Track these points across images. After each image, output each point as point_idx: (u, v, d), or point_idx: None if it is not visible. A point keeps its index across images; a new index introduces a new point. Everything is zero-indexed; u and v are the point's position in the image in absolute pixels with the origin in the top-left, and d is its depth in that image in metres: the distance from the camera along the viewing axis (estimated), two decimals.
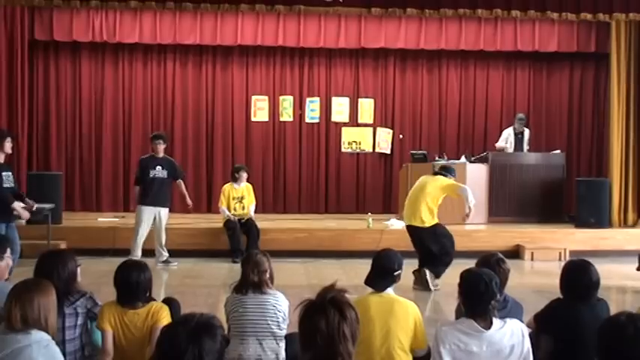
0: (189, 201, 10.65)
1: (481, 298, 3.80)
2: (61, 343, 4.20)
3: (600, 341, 3.21)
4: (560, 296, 4.66)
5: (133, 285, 4.40)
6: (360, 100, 14.49)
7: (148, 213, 10.25)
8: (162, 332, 2.49)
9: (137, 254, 9.99)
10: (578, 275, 4.58)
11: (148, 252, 10.11)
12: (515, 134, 13.34)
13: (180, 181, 10.66)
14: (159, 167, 10.30)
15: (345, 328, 2.59)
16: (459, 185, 9.02)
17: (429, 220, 8.89)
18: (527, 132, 13.45)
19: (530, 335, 4.08)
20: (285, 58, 14.40)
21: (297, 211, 14.19)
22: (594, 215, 12.01)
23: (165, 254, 10.38)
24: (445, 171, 9.16)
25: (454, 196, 9.15)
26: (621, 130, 12.76)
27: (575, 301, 4.50)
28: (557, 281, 4.73)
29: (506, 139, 13.33)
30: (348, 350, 2.61)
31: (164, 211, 10.40)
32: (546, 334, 4.52)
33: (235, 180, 11.49)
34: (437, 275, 8.85)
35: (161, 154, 10.44)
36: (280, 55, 14.35)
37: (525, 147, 13.32)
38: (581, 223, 12.08)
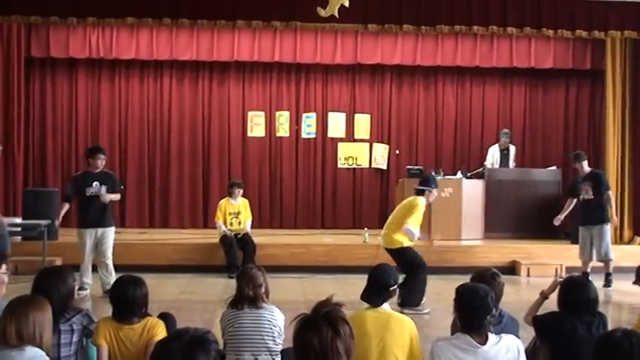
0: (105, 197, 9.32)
1: (477, 313, 3.80)
2: None
3: (596, 357, 3.21)
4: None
5: (128, 300, 4.38)
6: (356, 115, 14.51)
7: (89, 236, 9.33)
8: (156, 347, 2.48)
9: (86, 280, 9.32)
10: (577, 291, 4.58)
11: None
12: (501, 150, 13.36)
13: (118, 194, 9.70)
14: (95, 184, 9.30)
15: (338, 344, 2.58)
16: (407, 222, 8.57)
17: (393, 241, 8.69)
18: (512, 148, 13.48)
19: (526, 351, 4.08)
20: (282, 74, 14.43)
21: (293, 227, 14.18)
22: None
23: (111, 281, 8.70)
24: (421, 185, 8.85)
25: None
26: (617, 147, 12.80)
27: (573, 316, 4.50)
28: (553, 297, 4.73)
29: (492, 156, 13.36)
30: None
31: (107, 231, 9.40)
32: (543, 338, 4.53)
33: (230, 195, 11.49)
34: (415, 304, 8.46)
35: (98, 169, 9.44)
36: (277, 70, 14.39)
37: (511, 164, 13.33)
38: (577, 239, 12.02)
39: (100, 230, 9.35)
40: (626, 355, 3.08)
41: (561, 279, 4.85)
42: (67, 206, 9.52)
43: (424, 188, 8.79)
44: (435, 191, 8.93)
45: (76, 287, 4.56)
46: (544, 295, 5.05)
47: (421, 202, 8.71)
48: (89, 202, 9.32)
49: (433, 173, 12.48)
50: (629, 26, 11.82)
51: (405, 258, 8.61)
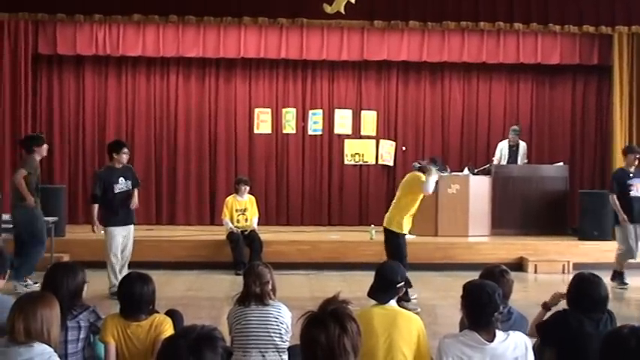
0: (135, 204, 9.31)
1: (484, 310, 3.79)
2: (64, 357, 4.20)
3: (602, 354, 3.20)
4: (566, 308, 4.64)
5: (136, 297, 4.39)
6: (362, 112, 14.48)
7: (120, 234, 9.08)
8: (163, 344, 2.49)
9: (116, 284, 8.66)
10: (588, 289, 4.56)
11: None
12: (510, 146, 13.32)
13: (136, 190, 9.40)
14: (122, 179, 9.09)
15: (345, 341, 2.58)
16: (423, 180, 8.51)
17: (392, 222, 8.72)
18: (522, 145, 13.39)
19: (534, 348, 4.07)
20: (288, 71, 14.41)
21: (300, 224, 14.17)
22: (597, 228, 11.95)
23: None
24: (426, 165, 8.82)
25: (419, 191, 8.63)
26: (624, 143, 12.73)
27: (581, 314, 4.48)
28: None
29: (500, 152, 13.33)
30: None
31: (131, 229, 9.30)
32: (548, 344, 4.51)
33: (237, 192, 11.51)
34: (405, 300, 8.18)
35: (122, 165, 9.19)
36: (283, 67, 14.36)
37: (521, 160, 13.27)
38: (584, 235, 12.05)
39: (127, 228, 9.19)
40: (633, 352, 3.07)
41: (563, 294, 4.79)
42: (96, 207, 9.11)
43: (422, 165, 8.80)
44: (435, 173, 8.67)
45: (85, 286, 4.57)
46: (546, 307, 5.00)
47: (421, 175, 8.67)
48: (118, 199, 9.06)
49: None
50: (636, 21, 11.79)
51: (392, 243, 8.60)
